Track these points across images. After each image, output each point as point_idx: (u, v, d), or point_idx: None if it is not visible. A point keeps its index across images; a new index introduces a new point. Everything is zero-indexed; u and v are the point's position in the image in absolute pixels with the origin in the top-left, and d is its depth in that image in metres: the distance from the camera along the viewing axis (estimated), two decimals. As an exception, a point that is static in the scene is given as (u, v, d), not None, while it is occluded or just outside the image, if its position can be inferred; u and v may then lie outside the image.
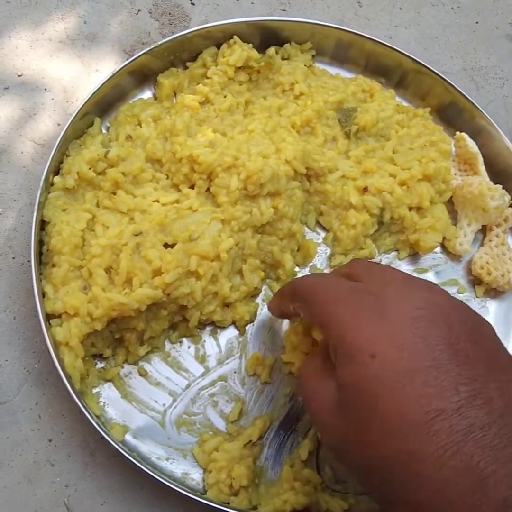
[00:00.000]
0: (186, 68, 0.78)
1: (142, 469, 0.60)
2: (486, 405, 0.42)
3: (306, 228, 0.74)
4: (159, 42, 0.74)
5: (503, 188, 0.74)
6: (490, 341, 0.48)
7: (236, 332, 0.70)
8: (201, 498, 0.61)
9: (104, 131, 0.74)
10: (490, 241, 0.75)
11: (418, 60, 0.79)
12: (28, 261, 0.70)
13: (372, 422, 0.43)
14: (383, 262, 0.75)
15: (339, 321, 0.47)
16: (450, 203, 0.77)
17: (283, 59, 0.79)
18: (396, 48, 0.79)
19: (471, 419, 0.41)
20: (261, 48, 0.78)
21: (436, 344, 0.44)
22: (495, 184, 0.75)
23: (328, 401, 0.47)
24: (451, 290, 0.74)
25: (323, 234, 0.75)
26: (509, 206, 0.75)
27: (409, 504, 0.42)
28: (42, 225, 0.67)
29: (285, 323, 0.70)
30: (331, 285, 0.52)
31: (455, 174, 0.77)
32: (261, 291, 0.72)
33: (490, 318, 0.74)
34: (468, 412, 0.41)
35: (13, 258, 0.71)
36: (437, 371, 0.42)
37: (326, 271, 0.74)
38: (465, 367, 0.43)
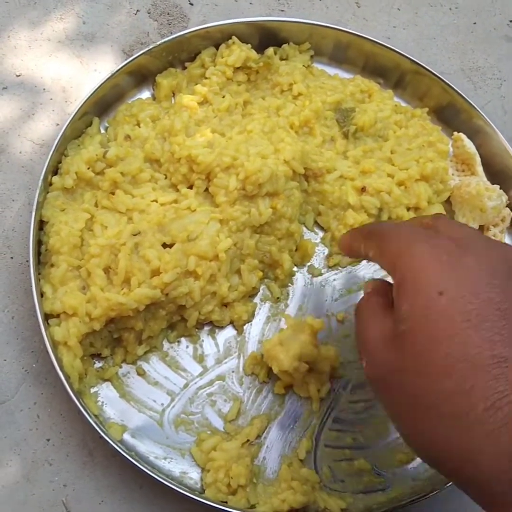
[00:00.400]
0: (184, 68, 0.78)
1: (140, 468, 0.61)
2: None
3: (304, 228, 0.75)
4: (158, 42, 0.74)
5: (500, 188, 0.74)
6: None
7: (234, 332, 0.70)
8: (199, 497, 0.61)
9: (102, 131, 0.74)
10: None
11: (416, 60, 0.79)
12: (27, 261, 0.70)
13: (434, 356, 0.43)
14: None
15: (412, 257, 0.46)
16: (447, 203, 0.77)
17: (281, 59, 0.79)
18: (394, 48, 0.79)
19: None
20: (260, 48, 0.78)
21: (507, 300, 0.43)
22: (493, 184, 0.75)
23: (383, 332, 0.47)
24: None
25: (321, 234, 0.75)
26: (507, 206, 0.75)
27: (451, 444, 0.42)
28: (41, 225, 0.67)
29: (282, 322, 0.70)
30: (411, 227, 0.51)
31: (452, 174, 0.77)
32: (259, 291, 0.72)
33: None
34: None
35: (12, 258, 0.71)
36: (507, 321, 0.42)
37: (324, 271, 0.74)
38: None
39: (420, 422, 0.43)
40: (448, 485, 0.64)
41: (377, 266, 0.73)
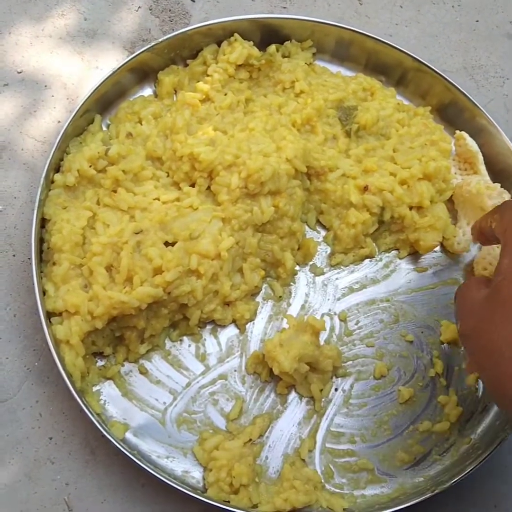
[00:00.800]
0: (186, 65, 0.78)
1: (142, 467, 0.61)
2: None
3: (306, 227, 0.74)
4: (160, 39, 0.74)
5: (502, 187, 0.74)
6: None
7: (236, 331, 0.70)
8: (202, 496, 0.61)
9: (104, 128, 0.74)
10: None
11: (418, 58, 0.79)
12: (29, 258, 0.70)
13: None
14: (383, 261, 0.75)
15: None
16: (450, 202, 0.77)
17: (283, 57, 0.79)
18: (397, 46, 0.79)
19: None
20: (262, 45, 0.78)
21: None
22: (495, 182, 0.75)
23: (479, 296, 0.53)
24: (451, 289, 0.74)
25: (323, 233, 0.75)
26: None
27: None
28: (43, 222, 0.67)
29: (284, 321, 0.70)
30: None
31: (455, 173, 0.77)
32: (261, 290, 0.72)
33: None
34: None
35: (14, 255, 0.70)
36: None
37: (326, 270, 0.74)
38: None
39: (503, 367, 0.48)
40: (451, 484, 0.64)
41: (378, 266, 0.74)
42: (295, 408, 0.68)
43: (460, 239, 0.74)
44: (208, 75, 0.75)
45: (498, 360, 0.48)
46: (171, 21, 0.83)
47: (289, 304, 0.72)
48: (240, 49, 0.75)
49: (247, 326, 0.70)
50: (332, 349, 0.67)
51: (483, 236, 0.62)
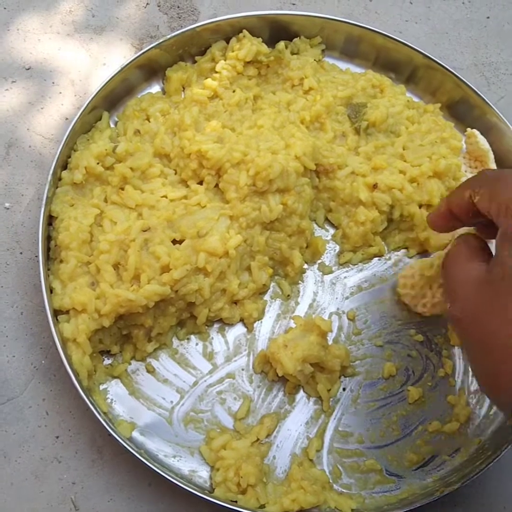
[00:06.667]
0: (194, 62, 0.77)
1: (149, 466, 0.60)
2: None
3: (315, 225, 0.74)
4: (168, 36, 0.73)
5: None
6: None
7: (244, 329, 0.70)
8: (209, 496, 0.61)
9: (112, 125, 0.74)
10: (439, 258, 0.69)
11: (428, 55, 0.78)
12: (36, 256, 0.69)
13: None
14: (392, 260, 0.74)
15: None
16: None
17: (292, 53, 0.78)
18: (407, 43, 0.78)
19: None
20: (271, 42, 0.77)
21: None
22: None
23: (474, 276, 0.50)
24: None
25: (332, 231, 0.74)
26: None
27: None
28: (50, 220, 0.67)
29: (292, 321, 0.70)
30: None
31: (465, 171, 0.77)
32: (269, 288, 0.71)
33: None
34: None
35: (21, 253, 0.70)
36: None
37: (335, 268, 0.73)
38: None
39: (496, 361, 0.46)
40: (460, 485, 0.63)
41: (387, 265, 0.73)
42: (303, 408, 0.68)
43: None
44: (216, 72, 0.75)
45: (493, 350, 0.47)
46: (180, 18, 0.82)
47: (297, 303, 0.72)
48: (249, 46, 0.74)
49: (255, 324, 0.70)
50: (340, 349, 0.67)
51: (452, 217, 0.57)
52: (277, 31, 0.78)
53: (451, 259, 0.55)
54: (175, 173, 0.70)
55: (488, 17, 0.90)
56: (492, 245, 0.52)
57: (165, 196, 0.67)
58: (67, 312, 0.63)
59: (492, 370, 0.47)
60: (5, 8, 0.79)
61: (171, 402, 0.66)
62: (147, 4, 0.82)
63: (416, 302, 0.70)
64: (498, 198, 0.50)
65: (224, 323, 0.69)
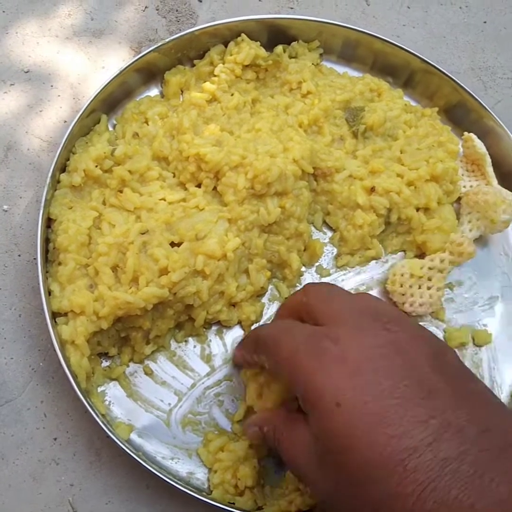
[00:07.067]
0: (193, 65, 0.78)
1: (147, 468, 0.60)
2: (457, 435, 0.41)
3: (312, 228, 0.74)
4: (167, 40, 0.73)
5: (508, 188, 0.74)
6: (454, 368, 0.47)
7: (242, 332, 0.70)
8: (207, 498, 0.61)
9: (110, 128, 0.74)
10: (431, 260, 0.72)
11: (426, 59, 0.78)
12: (34, 258, 0.70)
13: (348, 473, 0.43)
14: (389, 263, 0.74)
15: (302, 372, 0.47)
16: (455, 204, 0.76)
17: (290, 57, 0.78)
18: (404, 47, 0.78)
19: (444, 452, 0.40)
20: (269, 46, 0.77)
21: (399, 381, 0.44)
22: (502, 185, 0.75)
23: (307, 454, 0.48)
24: (458, 291, 0.74)
25: (329, 234, 0.75)
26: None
27: None
28: (48, 222, 0.67)
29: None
30: (290, 334, 0.51)
31: (462, 175, 0.77)
32: (267, 291, 0.71)
33: (496, 320, 0.74)
34: (440, 445, 0.41)
35: (19, 255, 0.70)
36: (404, 409, 0.42)
37: (332, 271, 0.73)
38: (431, 400, 0.43)
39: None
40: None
41: (384, 268, 0.74)
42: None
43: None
44: (214, 76, 0.75)
45: None
46: (178, 22, 0.83)
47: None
48: (247, 50, 0.74)
49: (252, 327, 0.70)
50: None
51: (251, 366, 0.58)
52: (275, 35, 0.78)
53: (280, 447, 0.53)
54: (174, 176, 0.70)
55: (485, 22, 0.90)
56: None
57: (164, 199, 0.67)
58: (66, 314, 0.63)
59: None
60: (4, 12, 0.79)
61: (169, 404, 0.66)
62: (146, 7, 0.82)
63: (404, 301, 0.70)
64: (278, 369, 0.51)
65: (222, 326, 0.70)
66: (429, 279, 0.71)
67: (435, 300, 0.71)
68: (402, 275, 0.70)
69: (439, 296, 0.71)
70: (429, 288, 0.70)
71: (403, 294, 0.70)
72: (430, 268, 0.71)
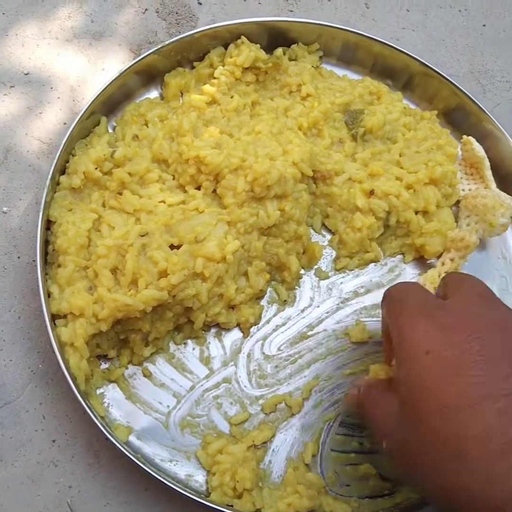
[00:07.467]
0: (193, 68, 0.78)
1: (146, 470, 0.60)
2: None
3: (311, 231, 0.74)
4: (166, 42, 0.74)
5: (507, 191, 0.74)
6: None
7: (240, 334, 0.70)
8: (205, 500, 0.61)
9: (110, 130, 0.74)
10: (442, 264, 0.73)
11: (425, 62, 0.78)
12: (33, 260, 0.70)
13: (428, 419, 0.46)
14: (388, 266, 0.75)
15: (404, 327, 0.50)
16: (453, 207, 0.77)
17: (290, 60, 0.78)
18: (403, 50, 0.79)
19: None
20: (269, 48, 0.78)
21: (489, 346, 0.47)
22: (501, 188, 0.75)
23: (390, 413, 0.51)
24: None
25: (328, 236, 0.75)
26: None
27: (454, 488, 0.45)
28: (48, 224, 0.67)
29: (288, 325, 0.70)
30: (411, 296, 0.54)
31: (461, 178, 0.77)
32: (266, 293, 0.71)
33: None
34: None
35: (18, 257, 0.70)
36: (487, 364, 0.46)
37: (331, 274, 0.73)
38: None
39: (443, 479, 0.46)
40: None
41: (383, 271, 0.74)
42: (300, 413, 0.68)
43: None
44: (214, 78, 0.75)
45: (438, 477, 0.46)
46: (178, 24, 0.83)
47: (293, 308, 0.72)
48: (247, 52, 0.74)
49: (251, 329, 0.70)
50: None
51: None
52: (275, 38, 0.78)
53: (366, 408, 0.57)
54: (173, 179, 0.71)
55: (484, 25, 0.90)
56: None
57: (163, 201, 0.67)
58: (65, 316, 0.63)
59: (442, 492, 0.47)
60: (4, 14, 0.79)
61: (168, 406, 0.66)
62: (146, 10, 0.82)
63: None
64: (390, 322, 0.54)
65: (221, 328, 0.70)
66: None
67: None
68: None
69: None
70: None
71: None
72: (446, 272, 0.71)
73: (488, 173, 0.76)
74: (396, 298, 0.55)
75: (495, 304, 0.52)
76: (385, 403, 0.53)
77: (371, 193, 0.71)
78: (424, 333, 0.49)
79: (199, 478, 0.64)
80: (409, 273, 0.75)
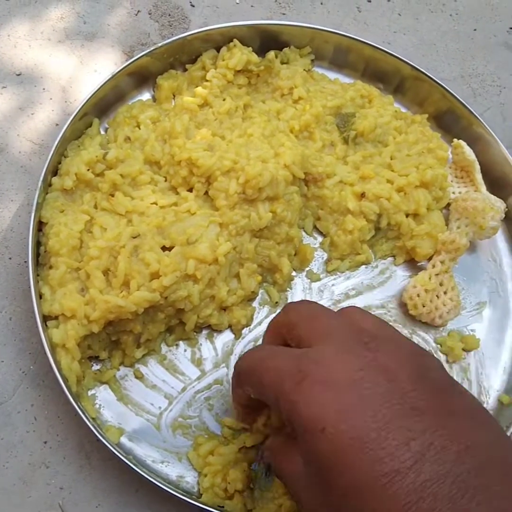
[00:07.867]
0: (185, 70, 0.78)
1: (137, 472, 0.60)
2: (439, 455, 0.41)
3: (303, 233, 0.75)
4: (159, 44, 0.74)
5: (497, 195, 0.75)
6: (438, 383, 0.47)
7: (232, 336, 0.70)
8: (196, 501, 0.61)
9: (102, 132, 0.74)
10: (433, 266, 0.73)
11: (416, 66, 0.79)
12: (25, 262, 0.70)
13: (334, 495, 0.43)
14: (379, 268, 0.75)
15: (286, 400, 0.46)
16: (444, 210, 0.77)
17: (282, 63, 0.79)
18: (395, 54, 0.79)
19: (426, 474, 0.40)
20: (261, 51, 0.78)
21: (381, 404, 0.43)
22: (491, 192, 0.76)
23: (298, 475, 0.47)
24: (448, 295, 0.74)
25: (320, 239, 0.75)
26: (505, 216, 0.75)
27: None
28: (40, 226, 0.67)
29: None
30: (271, 361, 0.50)
31: (451, 182, 0.78)
32: (258, 295, 0.72)
33: (483, 325, 0.75)
34: (422, 467, 0.40)
35: (10, 258, 0.70)
36: (386, 431, 0.42)
37: (323, 276, 0.74)
38: (413, 420, 0.42)
39: None
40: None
41: (374, 273, 0.74)
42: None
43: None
44: (206, 80, 0.75)
45: None
46: (171, 26, 0.83)
47: (285, 310, 0.72)
48: (239, 55, 0.75)
49: (243, 331, 0.70)
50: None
51: (244, 405, 0.57)
52: (267, 41, 0.78)
53: (273, 459, 0.53)
54: (165, 180, 0.71)
55: (475, 29, 0.91)
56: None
57: (155, 203, 0.67)
58: (56, 317, 0.63)
59: None
60: (-4, 14, 0.79)
61: (159, 408, 0.67)
62: (139, 11, 0.83)
63: (433, 317, 0.72)
64: (264, 398, 0.50)
65: (213, 330, 0.70)
66: (441, 284, 0.72)
67: (456, 299, 0.73)
68: (418, 295, 0.71)
69: (457, 294, 0.73)
70: (445, 293, 0.72)
71: (429, 312, 0.72)
72: (436, 274, 0.72)
73: (479, 177, 0.77)
74: (251, 370, 0.51)
75: (358, 343, 0.47)
76: (293, 464, 0.49)
77: (362, 195, 0.72)
78: (311, 404, 0.45)
79: (190, 479, 0.64)
80: (399, 275, 0.75)
